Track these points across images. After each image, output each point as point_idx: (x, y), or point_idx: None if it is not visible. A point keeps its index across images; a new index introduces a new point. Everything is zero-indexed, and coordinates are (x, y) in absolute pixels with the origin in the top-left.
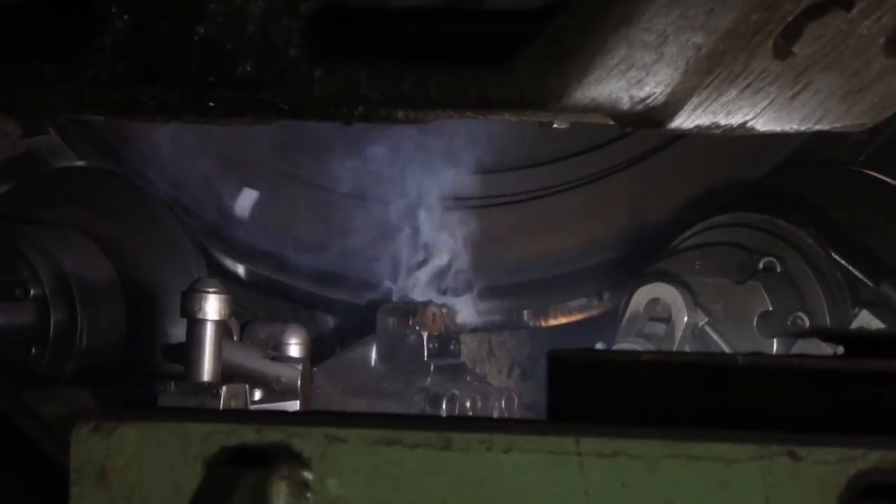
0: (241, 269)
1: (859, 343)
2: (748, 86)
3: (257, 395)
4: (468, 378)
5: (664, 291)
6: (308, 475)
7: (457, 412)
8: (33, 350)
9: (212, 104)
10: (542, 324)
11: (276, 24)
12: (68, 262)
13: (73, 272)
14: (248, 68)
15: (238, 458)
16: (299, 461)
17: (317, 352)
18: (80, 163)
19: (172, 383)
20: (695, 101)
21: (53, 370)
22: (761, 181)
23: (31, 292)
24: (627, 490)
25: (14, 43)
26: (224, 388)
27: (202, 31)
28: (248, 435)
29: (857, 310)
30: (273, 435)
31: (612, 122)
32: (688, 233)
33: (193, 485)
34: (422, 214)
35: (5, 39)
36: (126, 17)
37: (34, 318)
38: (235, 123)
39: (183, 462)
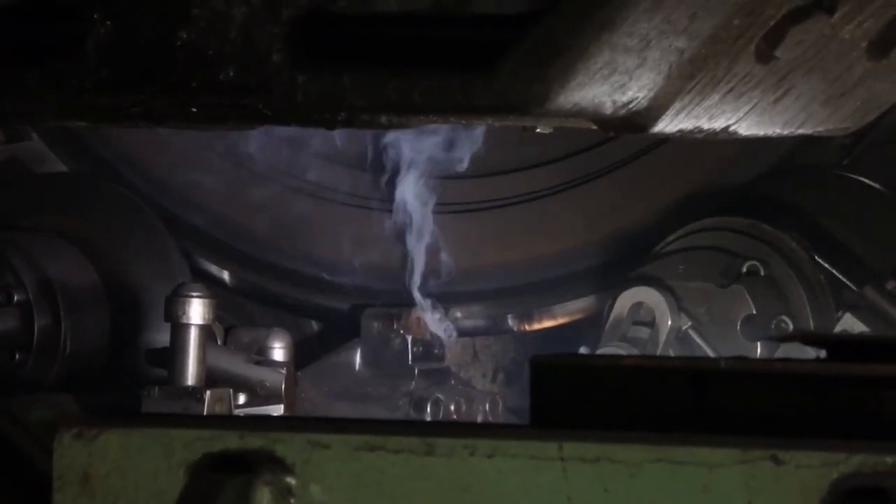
0: (225, 275)
1: (842, 347)
2: (731, 90)
3: (241, 399)
4: (452, 382)
5: (648, 295)
6: (291, 481)
7: (441, 416)
8: (17, 356)
9: (195, 110)
10: (527, 328)
11: (258, 30)
12: (52, 267)
13: (56, 278)
14: (232, 74)
15: (221, 465)
16: (282, 467)
17: (301, 356)
18: (64, 169)
19: (156, 388)
20: (677, 105)
21: (38, 376)
22: (745, 185)
23: (15, 298)
24: (610, 495)
25: None
26: (208, 392)
27: (185, 36)
28: (230, 441)
29: (840, 313)
30: (256, 441)
31: (594, 127)
32: (671, 237)
33: (176, 491)
34: (406, 218)
35: None
36: (109, 23)
37: (18, 324)
38: (219, 129)
39: (166, 468)
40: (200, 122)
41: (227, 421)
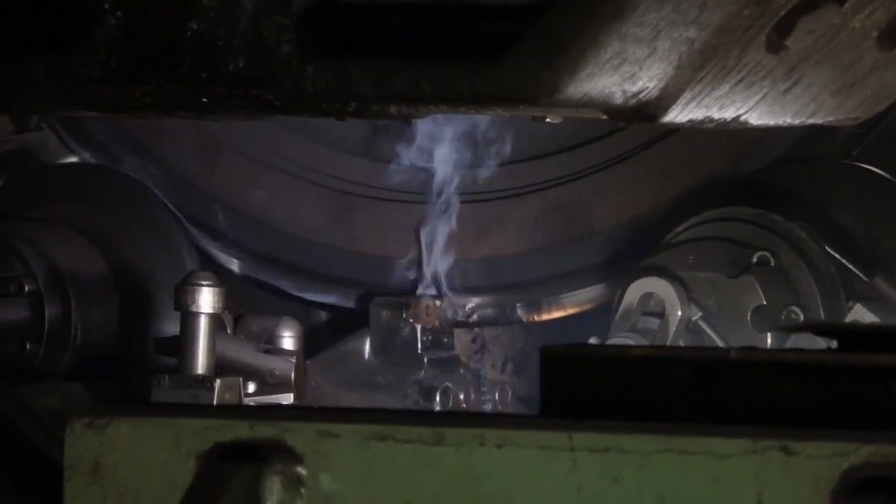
0: (234, 265)
1: (853, 337)
2: (741, 80)
3: (251, 387)
4: (462, 370)
5: (658, 286)
6: (301, 470)
7: (450, 404)
8: (28, 346)
9: (204, 100)
10: (536, 318)
11: (268, 20)
12: (62, 257)
13: (66, 268)
14: (241, 64)
15: (231, 454)
16: (292, 456)
17: (310, 345)
18: (74, 159)
19: (166, 377)
20: (688, 95)
21: (48, 365)
22: (754, 175)
23: (26, 288)
24: (620, 485)
25: (6, 41)
26: (218, 381)
27: (194, 27)
28: (241, 430)
29: (850, 304)
30: (266, 430)
31: (604, 117)
32: (681, 227)
33: (186, 480)
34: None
35: None
36: (119, 13)
37: (28, 315)
38: (228, 119)
39: (176, 458)
40: (210, 113)
41: (237, 410)
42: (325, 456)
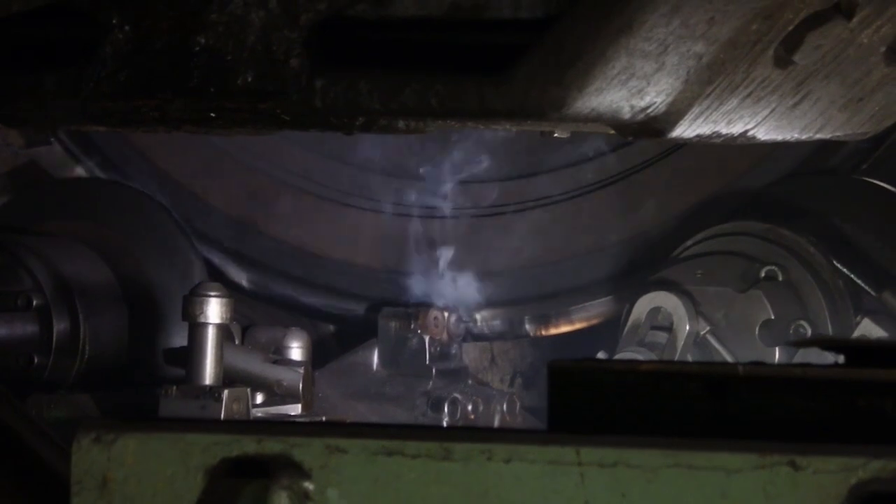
0: (244, 278)
1: (861, 352)
2: (749, 95)
3: (259, 398)
4: (470, 381)
5: (666, 300)
6: (309, 486)
7: (458, 416)
8: (36, 359)
9: (213, 115)
10: (544, 332)
11: (276, 35)
12: (69, 271)
13: (74, 281)
14: (249, 79)
15: (239, 469)
16: (300, 472)
17: (319, 355)
18: (83, 173)
19: (174, 387)
20: (696, 110)
21: (57, 377)
22: (763, 190)
23: (34, 302)
24: (627, 500)
25: (15, 55)
26: (226, 391)
27: (203, 41)
28: (248, 445)
29: (859, 318)
30: (274, 445)
31: (612, 132)
32: (690, 241)
33: (194, 496)
34: (424, 223)
35: (6, 51)
36: (127, 28)
37: (37, 328)
38: (237, 134)
39: (184, 473)
40: (218, 127)
41: (245, 425)
42: (332, 471)
